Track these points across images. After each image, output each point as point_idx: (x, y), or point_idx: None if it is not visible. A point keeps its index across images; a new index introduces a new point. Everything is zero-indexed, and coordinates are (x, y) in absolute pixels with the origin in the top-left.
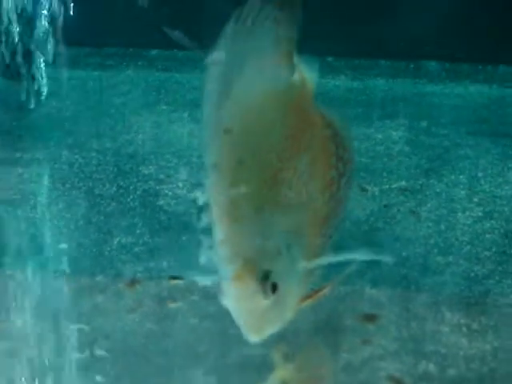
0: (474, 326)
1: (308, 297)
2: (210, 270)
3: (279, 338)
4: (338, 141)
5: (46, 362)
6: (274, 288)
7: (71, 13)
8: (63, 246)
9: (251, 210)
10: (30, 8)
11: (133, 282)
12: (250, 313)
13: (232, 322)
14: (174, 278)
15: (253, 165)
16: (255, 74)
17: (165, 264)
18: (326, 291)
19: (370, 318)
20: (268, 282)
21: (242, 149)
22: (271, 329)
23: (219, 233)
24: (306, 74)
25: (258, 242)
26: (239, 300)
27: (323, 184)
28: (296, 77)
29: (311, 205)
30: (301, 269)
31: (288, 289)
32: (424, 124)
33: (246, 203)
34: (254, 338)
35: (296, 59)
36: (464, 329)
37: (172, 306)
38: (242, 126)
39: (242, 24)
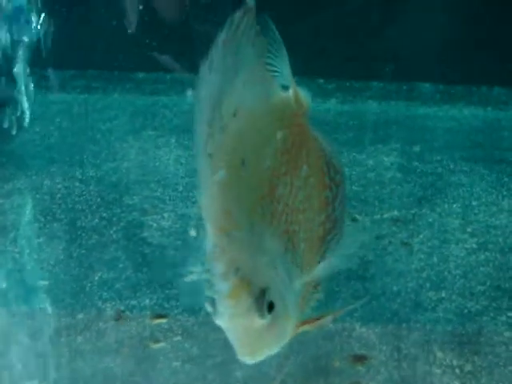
0: (468, 367)
1: (307, 322)
2: (195, 308)
3: (264, 378)
4: (329, 162)
5: None
6: (271, 307)
7: (56, 35)
8: (42, 281)
9: (247, 225)
10: (11, 31)
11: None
12: (245, 332)
13: (215, 365)
14: (158, 316)
15: (249, 179)
16: (247, 88)
17: (147, 301)
18: (327, 320)
19: (360, 358)
20: (264, 300)
21: (238, 162)
22: (267, 351)
23: (212, 247)
24: (301, 92)
25: (254, 257)
26: (233, 319)
27: (319, 203)
28: (290, 93)
29: (307, 223)
30: (297, 289)
31: (284, 309)
32: (417, 149)
33: (241, 218)
34: (247, 359)
35: (290, 76)
36: (457, 370)
37: (154, 346)
38: (236, 139)
39: (229, 40)
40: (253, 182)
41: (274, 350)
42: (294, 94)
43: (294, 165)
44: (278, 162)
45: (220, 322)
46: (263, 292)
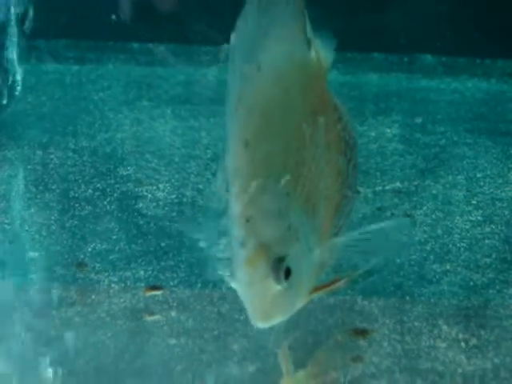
0: (473, 341)
1: (320, 288)
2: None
3: (262, 351)
4: (343, 125)
5: (12, 379)
6: (287, 274)
7: (48, 4)
8: (34, 253)
9: (271, 190)
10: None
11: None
12: (260, 298)
13: (212, 338)
14: (152, 288)
15: (275, 139)
16: (276, 46)
17: (142, 273)
18: (339, 284)
19: (362, 332)
20: (282, 267)
21: (266, 124)
22: (279, 317)
23: (235, 210)
24: (322, 52)
25: (275, 224)
26: (249, 284)
27: (336, 170)
28: (312, 54)
29: (326, 190)
30: (314, 257)
31: (301, 276)
32: (419, 121)
33: (267, 181)
34: (260, 324)
35: (311, 36)
36: (462, 344)
37: (149, 319)
38: (265, 102)
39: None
40: (279, 144)
41: (285, 315)
42: (316, 53)
43: (315, 128)
44: (305, 122)
45: (236, 285)
46: (281, 259)
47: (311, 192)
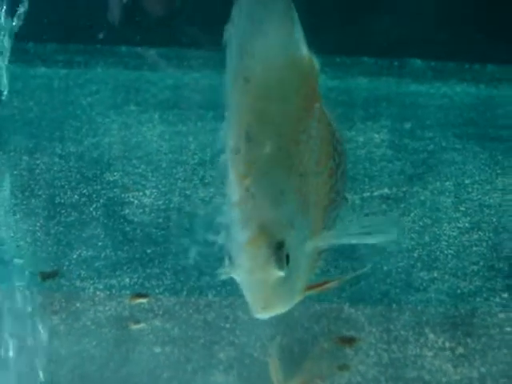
0: (460, 349)
1: (312, 287)
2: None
3: (248, 360)
4: (332, 130)
5: None
6: (287, 260)
7: (37, 8)
8: (19, 260)
9: (271, 176)
10: None
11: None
12: (261, 285)
13: (199, 347)
14: (138, 296)
15: (273, 129)
16: (271, 40)
17: (127, 280)
18: (333, 284)
19: (348, 340)
20: (283, 252)
21: (264, 112)
22: (279, 307)
23: (236, 194)
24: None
25: (274, 210)
26: (251, 268)
27: (326, 172)
28: (305, 51)
29: (317, 188)
30: (308, 249)
31: (298, 267)
32: (408, 126)
33: (265, 168)
34: (260, 314)
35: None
36: (449, 353)
37: (134, 327)
38: (260, 88)
39: None
40: (277, 134)
41: (285, 306)
42: (308, 55)
43: (307, 125)
44: (299, 116)
45: (236, 274)
46: (282, 244)
47: (303, 187)
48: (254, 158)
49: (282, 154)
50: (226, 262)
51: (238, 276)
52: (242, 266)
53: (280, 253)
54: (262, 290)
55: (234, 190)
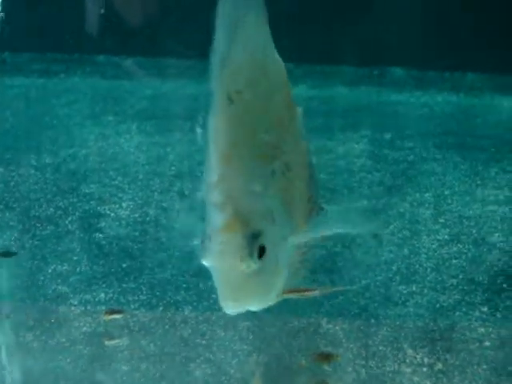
0: (439, 365)
1: (294, 291)
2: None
3: (224, 377)
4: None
5: None
6: (262, 252)
7: (13, 17)
8: None
9: (250, 163)
10: None
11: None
12: (231, 274)
13: (175, 364)
14: (112, 311)
15: (256, 118)
16: (250, 42)
17: (103, 295)
18: (313, 293)
19: (326, 356)
20: (256, 243)
21: (250, 98)
22: (250, 301)
23: (213, 175)
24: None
25: (254, 199)
26: (222, 255)
27: (305, 165)
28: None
29: (298, 189)
30: (289, 247)
31: (275, 261)
32: (388, 136)
33: (247, 153)
34: (230, 307)
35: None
36: (427, 369)
37: (109, 343)
38: (253, 85)
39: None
40: (260, 122)
41: (258, 303)
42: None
43: (291, 124)
44: (282, 114)
45: (208, 260)
46: (257, 234)
47: (286, 185)
48: (238, 140)
49: (265, 146)
50: (201, 246)
51: (208, 262)
52: (213, 252)
53: (254, 243)
54: (232, 280)
55: (213, 171)
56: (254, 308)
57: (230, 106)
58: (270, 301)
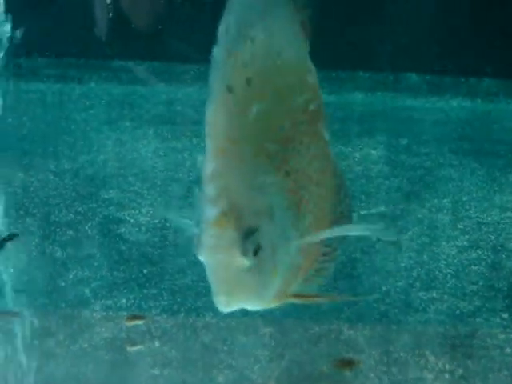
0: (460, 371)
1: (301, 296)
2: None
3: (248, 382)
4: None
5: None
6: (257, 250)
7: (30, 23)
8: (14, 280)
9: (250, 158)
10: None
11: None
12: (224, 269)
13: (197, 370)
14: (134, 317)
15: (263, 114)
16: (276, 29)
17: (124, 301)
18: (323, 300)
19: (347, 363)
20: (251, 239)
21: (255, 93)
22: (244, 300)
23: (208, 168)
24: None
25: (251, 194)
26: (215, 250)
27: (330, 186)
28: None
29: (318, 198)
30: (293, 252)
31: (273, 261)
32: (404, 141)
33: (246, 148)
34: (222, 303)
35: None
36: (449, 376)
37: (131, 349)
38: (263, 76)
39: None
40: (266, 120)
41: (254, 302)
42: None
43: (312, 131)
44: (300, 117)
45: (201, 255)
46: (252, 230)
47: (298, 188)
48: (237, 134)
49: (271, 143)
50: (195, 240)
51: (200, 256)
52: (205, 246)
53: (248, 239)
54: (223, 275)
55: (209, 164)
56: (249, 307)
57: (229, 96)
58: (268, 302)
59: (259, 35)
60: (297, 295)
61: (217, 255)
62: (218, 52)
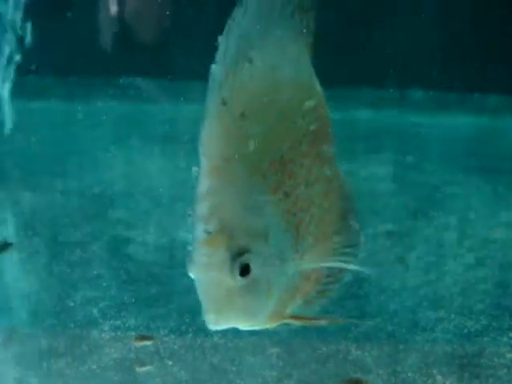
0: None
1: (298, 318)
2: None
3: None
4: (341, 181)
5: None
6: (245, 270)
7: (36, 42)
8: (22, 301)
9: (245, 178)
10: None
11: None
12: (214, 288)
13: None
14: (143, 338)
15: (260, 135)
16: (277, 51)
17: (133, 321)
18: (318, 322)
19: (356, 383)
20: (239, 260)
21: (253, 113)
22: (234, 317)
23: (202, 186)
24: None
25: (244, 215)
26: (205, 269)
27: (335, 210)
28: (314, 78)
29: (320, 221)
30: (290, 273)
31: (266, 282)
32: (410, 159)
33: (240, 168)
34: (211, 321)
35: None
36: None
37: (140, 370)
38: (261, 97)
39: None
40: (263, 140)
41: (245, 321)
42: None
43: (315, 153)
44: (301, 139)
45: (192, 273)
46: (242, 251)
47: (298, 210)
48: (231, 153)
49: (267, 165)
50: (187, 258)
51: (192, 274)
52: (195, 264)
53: (237, 259)
54: (214, 294)
55: (202, 183)
56: (241, 327)
57: (225, 115)
58: (261, 322)
59: (258, 56)
60: (294, 317)
61: (207, 273)
62: (215, 71)
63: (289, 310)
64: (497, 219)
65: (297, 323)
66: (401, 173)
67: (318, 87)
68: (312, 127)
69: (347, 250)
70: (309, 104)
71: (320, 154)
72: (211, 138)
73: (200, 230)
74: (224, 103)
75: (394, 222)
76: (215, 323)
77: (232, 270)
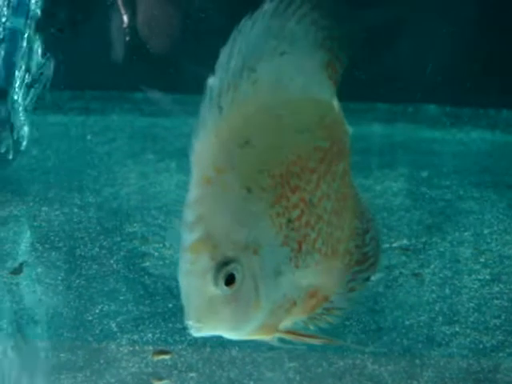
0: None
1: (293, 333)
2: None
3: None
4: (358, 198)
5: None
6: (230, 280)
7: (52, 56)
8: (40, 315)
9: (237, 189)
10: (7, 53)
11: None
12: (196, 295)
13: None
14: (161, 352)
15: (259, 148)
16: (287, 66)
17: (150, 336)
18: (313, 341)
19: None
20: (223, 270)
21: (252, 125)
22: (217, 327)
23: (191, 193)
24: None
25: (233, 222)
26: (188, 275)
27: (348, 228)
28: (334, 99)
29: (329, 237)
30: (285, 288)
31: (255, 294)
32: (425, 174)
33: (234, 179)
34: (195, 330)
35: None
36: None
37: None
38: (263, 111)
39: (279, 11)
40: (263, 153)
41: (229, 330)
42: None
43: (325, 170)
44: (308, 153)
45: (179, 277)
46: (227, 261)
47: (301, 226)
48: (224, 163)
49: (265, 178)
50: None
51: (179, 279)
52: (181, 270)
53: (222, 269)
54: (196, 301)
55: (192, 191)
56: (226, 335)
57: (220, 125)
58: (246, 333)
59: (262, 69)
60: (288, 331)
61: (189, 279)
62: (214, 82)
63: (288, 324)
64: (511, 235)
65: (289, 338)
66: (415, 188)
67: (336, 105)
68: (324, 144)
69: (359, 270)
70: (320, 121)
71: (332, 171)
72: (203, 148)
73: (186, 237)
74: (223, 120)
75: (408, 237)
76: (196, 330)
77: (216, 278)
